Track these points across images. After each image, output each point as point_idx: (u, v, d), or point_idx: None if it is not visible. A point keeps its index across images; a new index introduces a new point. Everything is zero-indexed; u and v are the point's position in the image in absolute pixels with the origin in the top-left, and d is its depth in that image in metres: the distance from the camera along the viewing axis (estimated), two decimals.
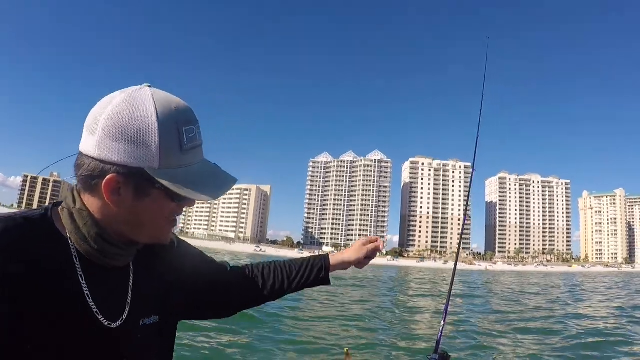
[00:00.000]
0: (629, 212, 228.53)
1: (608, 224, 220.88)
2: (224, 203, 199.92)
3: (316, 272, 1.25)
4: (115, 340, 0.86)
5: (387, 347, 9.29)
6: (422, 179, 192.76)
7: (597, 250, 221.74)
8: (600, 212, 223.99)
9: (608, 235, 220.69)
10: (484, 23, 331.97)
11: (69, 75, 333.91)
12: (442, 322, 2.06)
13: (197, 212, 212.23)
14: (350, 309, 15.17)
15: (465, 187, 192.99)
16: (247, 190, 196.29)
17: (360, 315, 13.94)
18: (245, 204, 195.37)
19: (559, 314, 16.94)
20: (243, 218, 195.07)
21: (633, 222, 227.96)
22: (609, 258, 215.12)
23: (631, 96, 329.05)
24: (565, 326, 13.52)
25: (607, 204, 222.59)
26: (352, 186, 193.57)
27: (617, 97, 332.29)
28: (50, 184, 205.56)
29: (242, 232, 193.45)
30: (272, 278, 1.22)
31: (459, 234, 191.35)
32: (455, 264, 2.31)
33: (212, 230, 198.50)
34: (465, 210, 2.96)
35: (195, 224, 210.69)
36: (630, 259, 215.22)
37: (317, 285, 1.28)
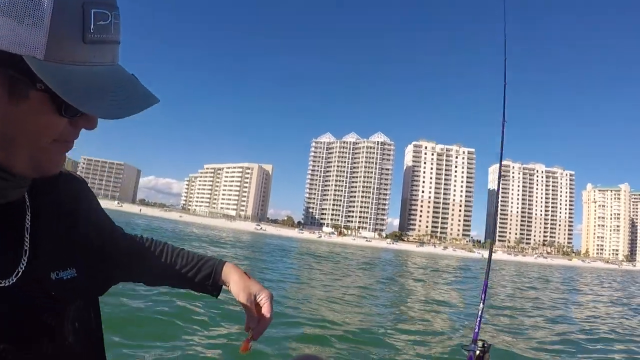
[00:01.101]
0: (633, 208, 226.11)
1: (611, 219, 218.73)
2: (225, 181, 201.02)
3: (201, 277, 0.97)
4: (13, 301, 0.58)
5: (408, 338, 7.49)
6: (424, 163, 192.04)
7: (598, 245, 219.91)
8: (603, 206, 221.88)
9: (610, 230, 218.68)
10: (495, 6, 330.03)
11: None
12: (481, 306, 1.82)
13: (198, 190, 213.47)
14: (349, 292, 13.31)
15: (468, 173, 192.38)
16: (249, 169, 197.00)
17: (363, 300, 12.06)
18: (247, 182, 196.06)
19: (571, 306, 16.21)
20: (244, 196, 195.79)
21: (637, 218, 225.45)
22: (609, 254, 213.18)
23: None
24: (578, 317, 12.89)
25: (611, 199, 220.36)
26: (354, 168, 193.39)
27: (629, 91, 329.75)
28: None
29: (243, 210, 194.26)
30: (163, 260, 0.97)
31: (459, 220, 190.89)
32: (490, 252, 2.08)
33: (214, 208, 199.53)
34: (499, 181, 2.43)
35: (197, 201, 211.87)
36: (631, 256, 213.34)
37: (204, 293, 1.00)
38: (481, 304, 1.82)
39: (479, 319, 1.75)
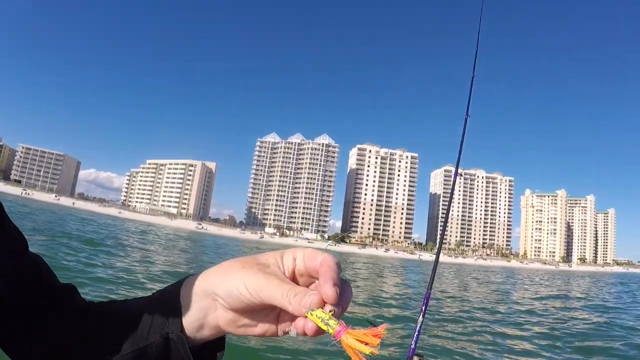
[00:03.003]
0: (569, 212, 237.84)
1: (548, 222, 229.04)
2: (167, 177, 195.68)
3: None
4: None
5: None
6: (368, 166, 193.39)
7: (535, 247, 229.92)
8: (541, 210, 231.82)
9: (547, 233, 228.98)
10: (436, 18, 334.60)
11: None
12: (420, 319, 1.64)
13: (139, 186, 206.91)
14: None
15: (411, 177, 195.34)
16: (192, 165, 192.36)
17: None
18: (189, 180, 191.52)
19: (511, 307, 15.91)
20: (186, 194, 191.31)
21: (572, 222, 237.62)
22: (546, 255, 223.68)
23: (581, 103, 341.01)
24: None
25: (548, 204, 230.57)
26: (298, 169, 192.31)
27: (566, 102, 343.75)
28: None
29: (184, 209, 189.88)
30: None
31: (401, 223, 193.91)
32: (437, 256, 1.88)
33: (155, 205, 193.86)
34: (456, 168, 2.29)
35: (137, 198, 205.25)
36: (567, 257, 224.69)
37: None
38: (421, 316, 1.64)
39: (417, 333, 1.56)
